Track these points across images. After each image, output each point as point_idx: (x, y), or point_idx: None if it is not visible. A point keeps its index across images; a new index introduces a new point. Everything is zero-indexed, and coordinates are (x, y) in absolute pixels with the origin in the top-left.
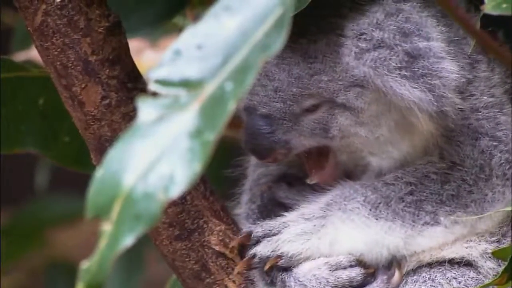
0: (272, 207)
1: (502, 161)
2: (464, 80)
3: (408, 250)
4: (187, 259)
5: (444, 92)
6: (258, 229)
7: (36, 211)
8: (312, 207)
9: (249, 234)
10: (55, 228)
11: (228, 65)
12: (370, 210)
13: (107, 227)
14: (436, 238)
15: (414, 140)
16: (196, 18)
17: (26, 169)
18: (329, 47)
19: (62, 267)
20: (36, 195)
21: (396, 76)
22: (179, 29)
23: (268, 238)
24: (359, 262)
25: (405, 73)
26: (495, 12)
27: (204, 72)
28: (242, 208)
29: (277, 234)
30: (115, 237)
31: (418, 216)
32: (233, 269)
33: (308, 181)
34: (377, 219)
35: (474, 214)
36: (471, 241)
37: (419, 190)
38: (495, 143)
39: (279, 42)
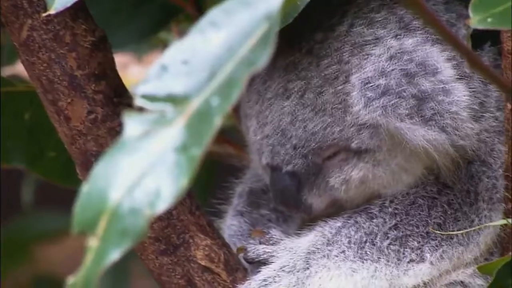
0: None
1: (489, 186)
2: (478, 101)
3: None
4: (173, 274)
5: (457, 128)
6: None
7: (23, 226)
8: (291, 257)
9: None
10: (42, 244)
11: (214, 80)
12: (356, 252)
13: (93, 242)
14: (421, 276)
15: (427, 164)
16: (181, 33)
17: (12, 184)
18: (336, 97)
19: (49, 283)
20: (23, 210)
21: (407, 123)
22: (164, 44)
23: None
24: None
25: (416, 119)
26: (480, 27)
27: (190, 87)
28: (233, 199)
29: None
30: (101, 252)
31: (403, 253)
32: (219, 283)
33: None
34: (363, 261)
35: (460, 245)
36: (459, 269)
37: (404, 223)
38: (484, 169)
39: (265, 57)
